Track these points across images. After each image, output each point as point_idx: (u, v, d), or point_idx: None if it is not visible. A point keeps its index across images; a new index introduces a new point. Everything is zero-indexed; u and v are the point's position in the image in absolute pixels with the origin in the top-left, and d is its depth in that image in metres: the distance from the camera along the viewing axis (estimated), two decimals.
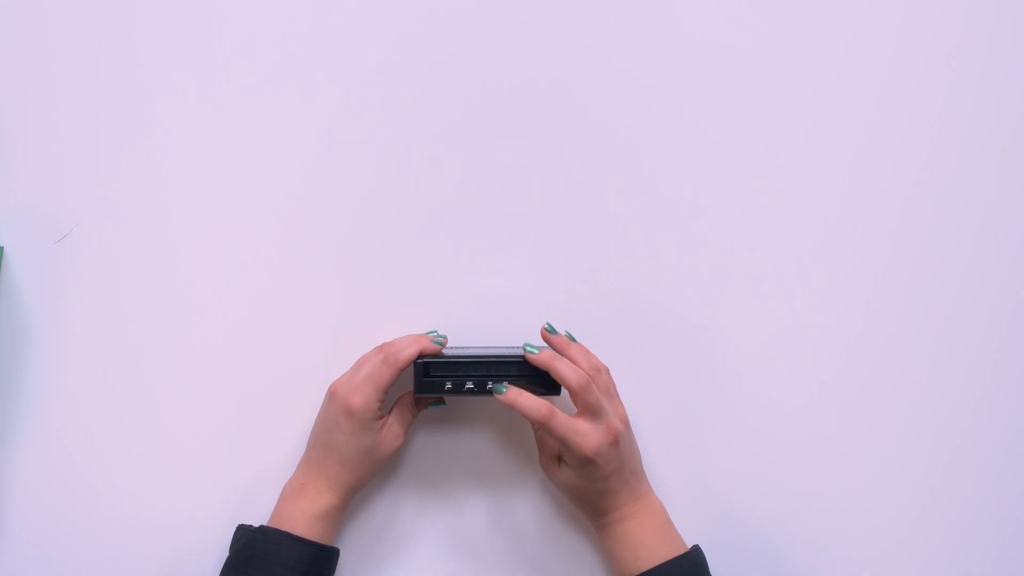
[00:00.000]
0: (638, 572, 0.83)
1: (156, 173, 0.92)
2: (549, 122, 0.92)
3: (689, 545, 0.85)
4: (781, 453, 0.91)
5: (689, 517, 0.89)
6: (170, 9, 0.92)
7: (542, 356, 0.83)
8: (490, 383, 0.83)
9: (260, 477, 0.90)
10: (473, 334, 0.91)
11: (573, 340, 0.86)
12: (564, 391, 0.84)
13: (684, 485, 0.91)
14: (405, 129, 0.92)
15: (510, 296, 0.92)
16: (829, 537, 0.91)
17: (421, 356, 0.84)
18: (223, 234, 0.92)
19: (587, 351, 0.86)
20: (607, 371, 0.86)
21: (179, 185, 0.92)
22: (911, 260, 0.92)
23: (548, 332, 0.86)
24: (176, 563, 0.90)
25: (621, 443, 0.82)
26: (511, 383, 0.83)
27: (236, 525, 0.86)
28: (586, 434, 0.81)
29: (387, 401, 0.85)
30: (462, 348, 0.89)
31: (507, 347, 0.88)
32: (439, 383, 0.84)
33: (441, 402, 0.89)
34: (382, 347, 0.85)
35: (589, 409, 0.82)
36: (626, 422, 0.84)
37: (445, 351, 0.86)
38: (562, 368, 0.82)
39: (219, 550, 0.87)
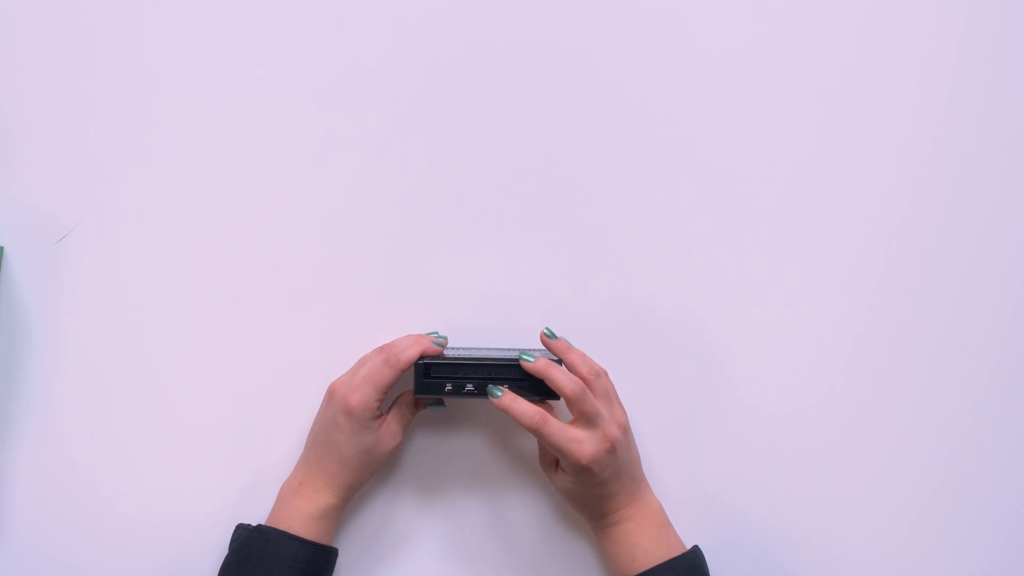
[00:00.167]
0: (635, 573, 0.83)
1: (156, 173, 0.92)
2: (551, 122, 0.92)
3: (688, 546, 0.85)
4: (781, 455, 0.91)
5: (689, 519, 0.89)
6: (170, 9, 0.92)
7: (537, 364, 0.83)
8: (488, 386, 0.83)
9: (259, 476, 0.90)
10: (474, 333, 0.91)
11: (571, 345, 0.86)
12: None
13: (684, 487, 0.91)
14: (405, 129, 0.92)
15: (511, 295, 0.92)
16: (829, 539, 0.91)
17: (422, 357, 0.84)
18: (223, 234, 0.92)
19: (585, 355, 0.86)
20: (607, 375, 0.86)
21: (179, 185, 0.92)
22: (911, 261, 0.92)
23: (547, 337, 0.85)
24: (175, 562, 0.90)
25: (618, 450, 0.82)
26: (511, 386, 0.83)
27: (235, 524, 0.86)
28: (581, 441, 0.81)
29: (386, 401, 0.85)
30: (463, 349, 0.89)
31: (508, 349, 0.88)
32: (439, 384, 0.84)
33: (440, 403, 0.89)
34: (383, 348, 0.85)
35: (584, 416, 0.81)
36: (624, 427, 0.84)
37: (446, 352, 0.86)
38: (557, 376, 0.82)
39: (218, 549, 0.87)
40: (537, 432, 0.81)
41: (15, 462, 0.90)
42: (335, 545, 0.87)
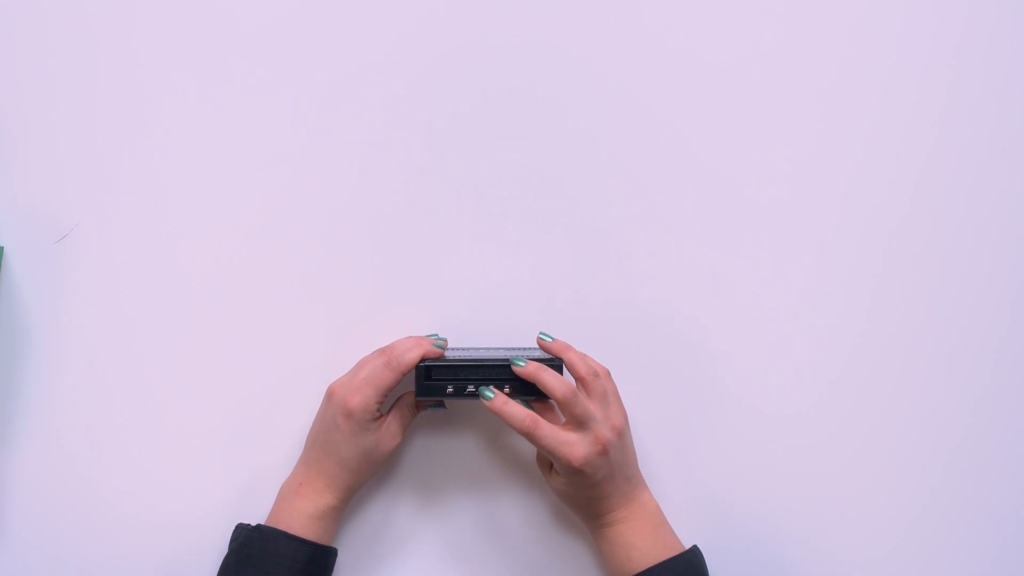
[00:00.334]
0: (631, 574, 0.83)
1: (156, 173, 0.92)
2: (550, 123, 0.92)
3: (687, 546, 0.85)
4: (780, 456, 0.91)
5: (689, 520, 0.90)
6: (170, 10, 0.92)
7: (527, 368, 0.83)
8: (479, 387, 0.83)
9: (259, 476, 0.90)
10: (473, 333, 0.91)
11: (569, 346, 0.86)
12: None
13: (683, 488, 0.91)
14: (405, 130, 0.92)
15: (510, 295, 0.92)
16: (828, 539, 0.91)
17: (423, 360, 0.84)
18: (222, 234, 0.92)
19: (585, 356, 0.86)
20: (607, 375, 0.86)
21: (179, 185, 0.92)
22: (911, 261, 0.92)
23: (543, 340, 0.85)
24: (175, 562, 0.90)
25: (610, 452, 0.82)
26: (512, 387, 0.83)
27: (235, 524, 0.86)
28: (572, 444, 0.81)
29: (386, 403, 0.85)
30: (463, 350, 0.89)
31: (509, 348, 0.88)
32: (440, 386, 0.84)
33: (441, 405, 0.89)
34: (384, 350, 0.85)
35: (575, 419, 0.81)
36: (619, 429, 0.83)
37: (446, 354, 0.86)
38: (547, 379, 0.82)
39: (218, 549, 0.87)
40: (528, 435, 0.81)
41: (15, 462, 0.90)
42: (335, 545, 0.87)
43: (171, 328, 0.91)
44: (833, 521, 0.91)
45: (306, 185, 0.92)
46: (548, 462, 0.86)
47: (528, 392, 0.83)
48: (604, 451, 0.81)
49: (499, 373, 0.84)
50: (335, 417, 0.83)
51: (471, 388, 0.83)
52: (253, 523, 0.86)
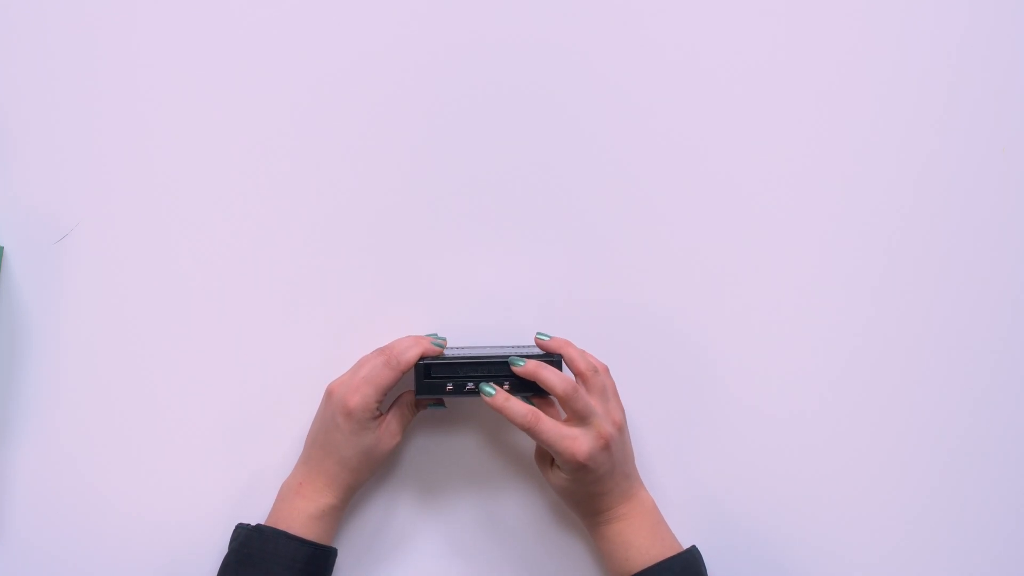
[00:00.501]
0: (630, 573, 0.83)
1: (156, 173, 0.92)
2: (548, 123, 0.92)
3: (685, 545, 0.85)
4: (780, 456, 0.91)
5: (688, 520, 0.90)
6: (170, 10, 0.92)
7: (527, 367, 0.83)
8: (479, 384, 0.83)
9: (259, 476, 0.90)
10: (472, 333, 0.91)
11: (568, 342, 0.86)
12: None
13: (682, 488, 0.91)
14: (405, 130, 0.92)
15: (509, 295, 0.92)
16: (828, 540, 0.91)
17: (422, 358, 0.84)
18: (222, 234, 0.92)
19: (584, 352, 0.86)
20: (606, 371, 0.86)
21: (179, 185, 0.92)
22: (911, 261, 0.92)
23: (541, 340, 0.85)
24: (175, 562, 0.90)
25: (612, 447, 0.82)
26: (512, 384, 0.83)
27: (235, 524, 0.86)
28: (575, 438, 0.81)
29: (385, 402, 0.85)
30: (462, 348, 0.89)
31: (507, 347, 0.89)
32: (440, 384, 0.84)
33: (440, 404, 0.89)
34: (383, 349, 0.85)
35: (577, 415, 0.82)
36: (619, 425, 0.84)
37: (445, 352, 0.86)
38: (548, 376, 0.82)
39: (218, 549, 0.87)
40: (530, 431, 0.81)
41: (15, 462, 0.90)
42: (335, 545, 0.87)
43: (171, 328, 0.91)
44: (832, 521, 0.91)
45: (305, 185, 0.92)
46: (548, 459, 0.86)
47: (527, 390, 0.83)
48: (607, 446, 0.82)
49: (498, 370, 0.84)
50: (335, 416, 0.84)
51: (471, 386, 0.83)
52: (253, 523, 0.86)
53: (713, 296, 0.92)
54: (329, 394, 0.85)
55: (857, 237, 0.92)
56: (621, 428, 0.84)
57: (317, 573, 0.84)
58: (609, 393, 0.85)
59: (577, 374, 0.84)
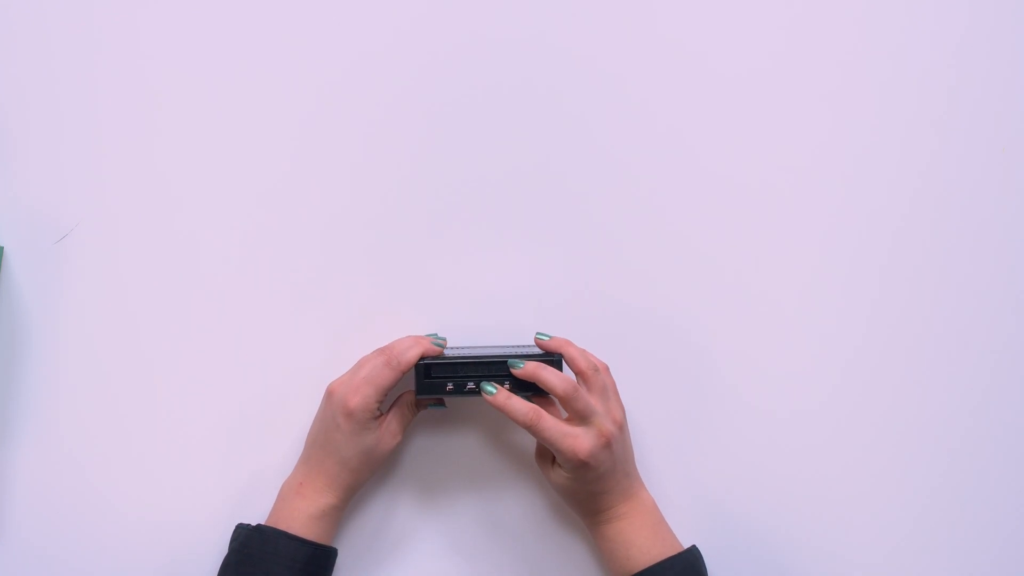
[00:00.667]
0: (631, 572, 0.83)
1: (156, 173, 0.92)
2: (548, 122, 0.92)
3: (685, 545, 0.85)
4: (781, 456, 0.91)
5: (689, 519, 0.90)
6: (170, 9, 0.92)
7: (527, 368, 0.83)
8: (480, 383, 0.83)
9: (259, 476, 0.90)
10: (472, 333, 0.91)
11: (568, 341, 0.86)
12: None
13: (683, 487, 0.91)
14: (404, 130, 0.92)
15: (508, 295, 0.92)
16: (829, 540, 0.91)
17: (422, 358, 0.84)
18: (223, 234, 0.92)
19: (584, 351, 0.86)
20: (606, 369, 0.86)
21: (179, 185, 0.92)
22: (912, 261, 0.92)
23: (541, 340, 0.85)
24: (176, 562, 0.90)
25: (613, 445, 0.82)
26: (512, 383, 0.83)
27: (235, 524, 0.86)
28: (576, 436, 0.81)
29: (385, 402, 0.85)
30: (462, 348, 0.89)
31: (507, 347, 0.89)
32: (440, 384, 0.84)
33: (441, 404, 0.89)
34: (383, 349, 0.85)
35: (578, 414, 0.82)
36: (620, 423, 0.84)
37: (445, 352, 0.86)
38: (548, 376, 0.82)
39: (218, 549, 0.87)
40: (532, 429, 0.81)
41: (15, 462, 0.90)
42: (335, 545, 0.87)
43: (171, 328, 0.91)
44: (833, 521, 0.91)
45: (305, 186, 0.92)
46: (549, 458, 0.86)
47: (528, 390, 0.83)
48: (608, 444, 0.82)
49: (498, 370, 0.84)
50: (335, 416, 0.83)
51: (471, 385, 0.83)
52: (253, 523, 0.86)
53: (714, 295, 0.92)
54: (329, 394, 0.85)
55: (858, 236, 0.92)
56: (622, 426, 0.84)
57: (317, 573, 0.84)
58: (610, 392, 0.85)
59: (578, 373, 0.84)
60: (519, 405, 0.81)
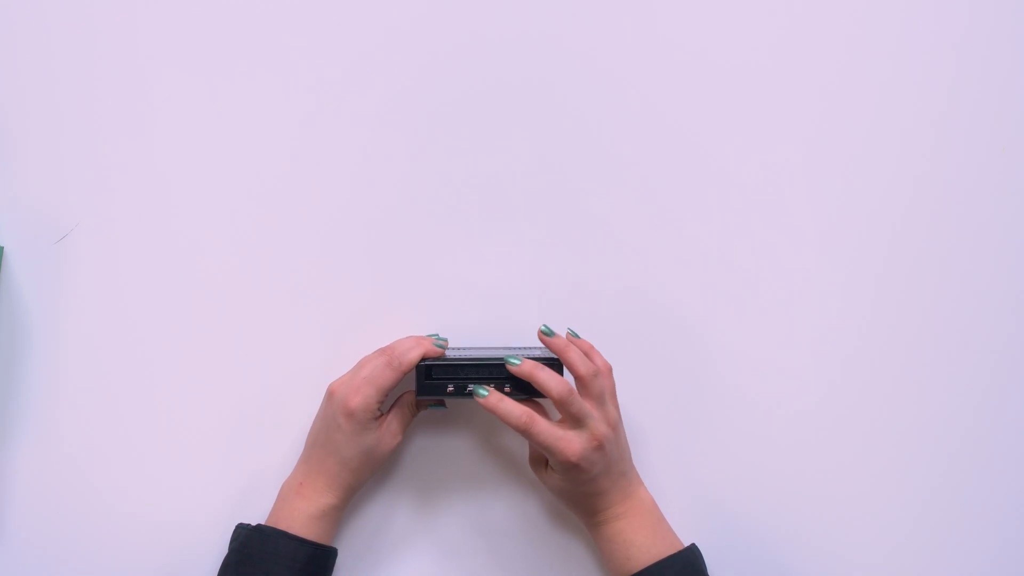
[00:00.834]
0: (631, 572, 0.83)
1: (156, 173, 0.92)
2: (548, 119, 0.92)
3: (685, 543, 0.85)
4: (781, 454, 0.91)
5: (689, 518, 0.90)
6: (169, 11, 0.92)
7: (523, 367, 0.82)
8: (471, 386, 0.83)
9: (259, 476, 0.90)
10: (473, 332, 0.91)
11: (576, 336, 0.86)
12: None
13: (683, 486, 0.91)
14: (404, 129, 0.92)
15: (510, 293, 0.92)
16: (829, 539, 0.91)
17: (423, 359, 0.84)
18: (223, 234, 0.92)
19: (588, 352, 0.86)
20: (609, 372, 0.86)
21: (179, 185, 0.92)
22: (912, 260, 0.92)
23: (545, 335, 0.85)
24: (175, 562, 0.90)
25: (606, 447, 0.82)
26: (511, 386, 0.83)
27: (235, 524, 0.86)
28: (569, 440, 0.81)
29: (386, 402, 0.85)
30: (463, 349, 0.89)
31: (508, 348, 0.89)
32: (441, 385, 0.84)
33: (441, 404, 0.89)
34: (385, 350, 0.85)
35: (571, 417, 0.82)
36: (614, 424, 0.84)
37: (446, 353, 0.86)
38: (544, 378, 0.82)
39: (218, 549, 0.87)
40: (524, 432, 0.81)
41: (15, 462, 0.90)
42: (335, 545, 0.87)
43: (171, 328, 0.91)
44: (834, 520, 0.91)
45: (306, 185, 0.92)
46: (543, 461, 0.86)
47: (526, 391, 0.83)
48: (600, 446, 0.82)
49: (500, 372, 0.83)
50: (336, 417, 0.83)
51: (472, 387, 0.83)
52: (253, 523, 0.86)
53: (715, 292, 0.92)
54: (330, 394, 0.85)
55: (859, 235, 0.92)
56: (615, 427, 0.84)
57: (317, 573, 0.84)
58: (607, 395, 0.84)
59: (577, 378, 0.83)
60: (511, 408, 0.81)
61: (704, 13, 0.92)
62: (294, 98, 0.92)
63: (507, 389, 0.83)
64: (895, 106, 0.93)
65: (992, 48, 0.93)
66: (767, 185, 0.92)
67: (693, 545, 0.85)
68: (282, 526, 0.83)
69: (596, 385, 0.83)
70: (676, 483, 0.91)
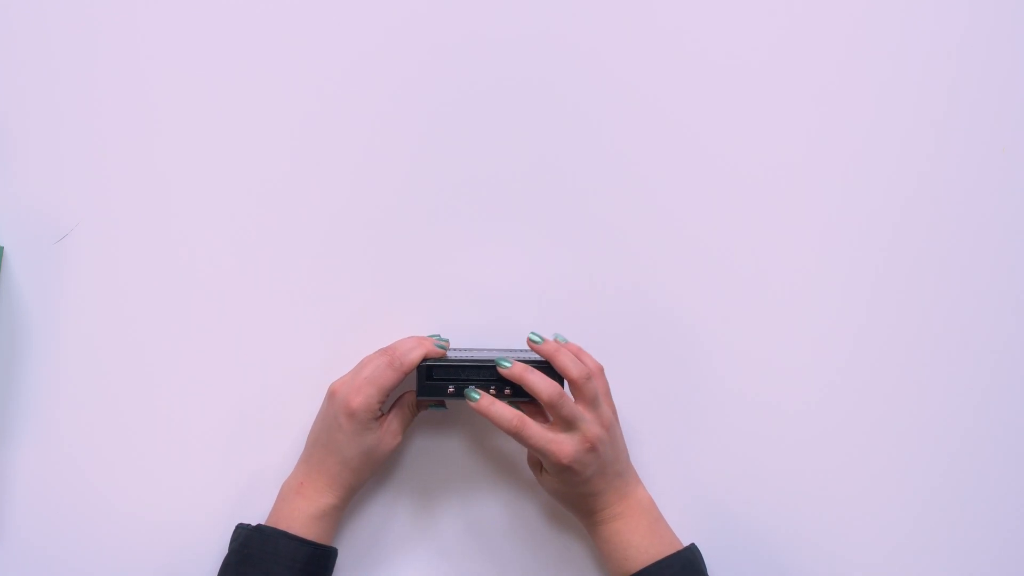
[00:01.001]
0: (630, 572, 0.83)
1: (156, 173, 0.92)
2: (549, 120, 0.92)
3: (685, 543, 0.85)
4: (781, 454, 0.91)
5: (688, 518, 0.90)
6: (169, 11, 0.92)
7: (514, 370, 0.83)
8: (465, 389, 0.83)
9: (259, 476, 0.90)
10: (474, 333, 0.91)
11: (565, 341, 0.86)
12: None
13: (682, 486, 0.91)
14: (404, 129, 0.92)
15: (510, 294, 0.92)
16: (829, 538, 0.91)
17: (424, 359, 0.84)
18: (223, 234, 0.92)
19: (578, 353, 0.86)
20: (600, 372, 0.85)
21: (179, 185, 0.92)
22: (911, 259, 0.92)
23: (533, 342, 0.85)
24: (176, 562, 0.90)
25: (599, 448, 0.82)
26: (512, 388, 0.83)
27: (235, 524, 0.86)
28: (560, 442, 0.81)
29: (386, 402, 0.85)
30: (464, 350, 0.89)
31: (509, 349, 0.88)
32: (442, 386, 0.84)
33: (441, 405, 0.89)
34: (386, 350, 0.85)
35: (563, 420, 0.82)
36: (608, 425, 0.83)
37: (448, 354, 0.86)
38: (534, 381, 0.82)
39: (218, 549, 0.87)
40: (516, 435, 0.81)
41: (15, 462, 0.90)
42: (335, 545, 0.87)
43: (171, 328, 0.91)
44: (834, 520, 0.91)
45: (306, 185, 0.92)
46: (537, 462, 0.86)
47: (522, 394, 0.83)
48: (592, 448, 0.81)
49: (499, 373, 0.83)
50: (337, 417, 0.83)
51: (465, 390, 0.83)
52: (253, 523, 0.86)
53: (715, 291, 0.92)
54: (331, 394, 0.85)
55: (858, 235, 0.92)
56: (610, 428, 0.84)
57: (317, 573, 0.84)
58: (600, 397, 0.84)
59: (570, 381, 0.83)
60: (503, 411, 0.81)
61: (704, 13, 0.93)
62: (294, 98, 0.92)
63: (507, 392, 0.84)
64: (895, 106, 0.93)
65: (992, 48, 0.93)
66: (767, 185, 0.92)
67: (693, 545, 0.85)
68: (282, 526, 0.83)
69: (589, 388, 0.83)
70: (676, 483, 0.91)
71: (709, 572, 0.85)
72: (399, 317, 0.91)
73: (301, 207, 0.92)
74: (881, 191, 0.92)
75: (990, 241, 0.92)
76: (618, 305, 0.92)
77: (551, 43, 0.92)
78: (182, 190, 0.92)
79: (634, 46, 0.92)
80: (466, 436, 0.92)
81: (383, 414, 0.85)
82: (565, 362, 0.83)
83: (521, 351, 0.87)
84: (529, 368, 0.82)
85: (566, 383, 0.84)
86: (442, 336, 0.89)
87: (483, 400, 0.82)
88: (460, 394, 0.84)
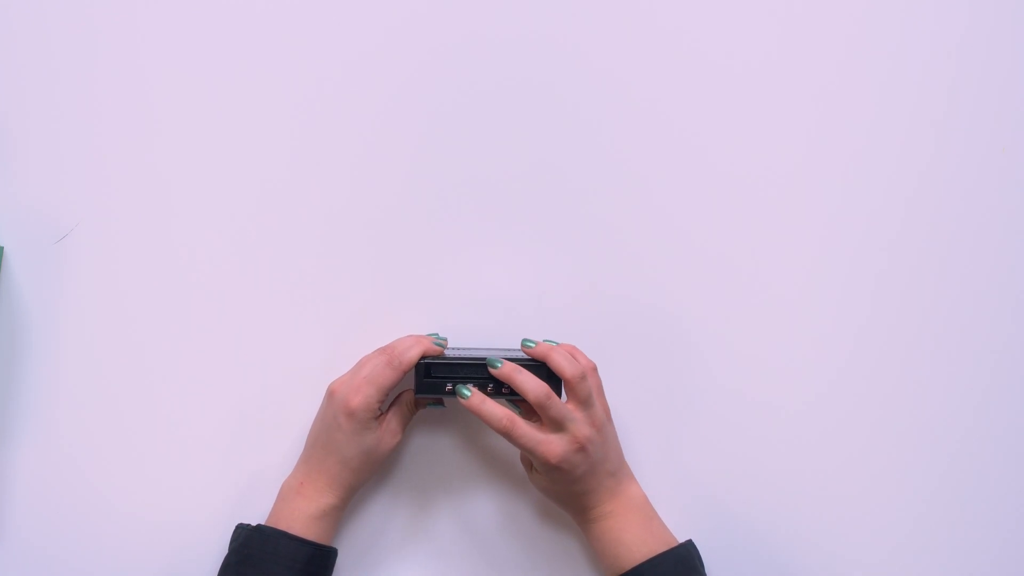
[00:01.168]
0: (623, 570, 0.83)
1: (156, 173, 0.92)
2: (549, 121, 0.92)
3: (680, 539, 0.85)
4: (780, 453, 0.91)
5: (686, 517, 0.90)
6: (170, 9, 0.92)
7: (503, 370, 0.83)
8: (456, 387, 0.83)
9: (259, 476, 0.90)
10: (472, 333, 0.91)
11: (555, 344, 0.86)
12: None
13: (679, 484, 0.91)
14: (404, 129, 0.92)
15: (509, 294, 0.92)
16: (828, 538, 0.91)
17: (423, 357, 0.84)
18: (223, 234, 0.92)
19: (572, 353, 0.85)
20: (594, 370, 0.85)
21: (179, 185, 0.92)
22: (911, 260, 0.92)
23: (526, 347, 0.85)
24: (176, 562, 0.90)
25: (589, 448, 0.82)
26: (507, 385, 0.83)
27: (235, 524, 0.86)
28: (549, 442, 0.81)
29: (385, 401, 0.85)
30: (462, 349, 0.89)
31: (509, 348, 0.89)
32: (440, 384, 0.84)
33: (440, 403, 0.89)
34: (384, 349, 0.85)
35: (552, 421, 0.82)
36: (600, 425, 0.83)
37: (445, 352, 0.86)
38: (523, 382, 0.82)
39: (218, 549, 0.87)
40: (506, 434, 0.81)
41: (15, 462, 0.90)
42: (335, 545, 0.87)
43: (171, 328, 0.91)
44: (833, 519, 0.91)
45: (306, 185, 0.92)
46: (530, 461, 0.86)
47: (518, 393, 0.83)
48: (582, 447, 0.82)
49: None
50: (336, 416, 0.84)
51: (470, 386, 0.83)
52: (253, 523, 0.86)
53: (714, 292, 0.92)
54: (331, 394, 0.85)
55: (858, 235, 0.92)
56: (601, 428, 0.83)
57: (317, 573, 0.84)
58: (593, 396, 0.84)
59: (564, 380, 0.83)
60: (494, 410, 0.81)
61: (704, 13, 0.93)
62: (294, 98, 0.92)
63: (505, 390, 0.84)
64: (895, 106, 0.93)
65: (992, 48, 0.93)
66: (767, 185, 0.92)
67: (689, 541, 0.85)
68: (282, 526, 0.83)
69: (583, 387, 0.83)
70: (676, 483, 0.91)
71: (708, 572, 0.85)
72: (399, 317, 0.91)
73: (301, 207, 0.92)
74: (881, 191, 0.92)
75: (990, 241, 0.92)
76: (617, 305, 0.92)
77: (551, 44, 0.92)
78: (182, 190, 0.92)
79: (634, 47, 0.92)
80: (466, 436, 0.92)
81: (382, 413, 0.85)
82: (559, 361, 0.83)
83: (520, 351, 0.87)
84: (518, 368, 0.83)
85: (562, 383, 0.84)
86: (440, 335, 0.89)
87: (474, 398, 0.82)
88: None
